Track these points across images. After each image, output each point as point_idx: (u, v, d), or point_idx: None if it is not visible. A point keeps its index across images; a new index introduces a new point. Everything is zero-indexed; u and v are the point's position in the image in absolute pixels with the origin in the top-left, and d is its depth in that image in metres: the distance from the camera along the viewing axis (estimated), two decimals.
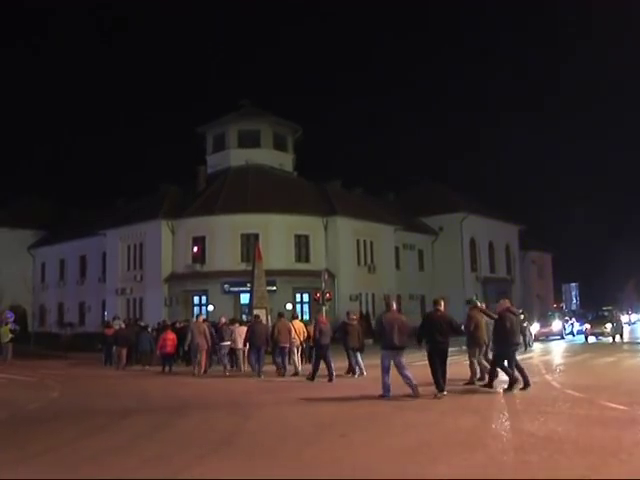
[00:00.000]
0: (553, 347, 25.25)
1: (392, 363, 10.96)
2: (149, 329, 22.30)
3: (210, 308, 30.36)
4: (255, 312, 20.98)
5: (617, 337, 28.59)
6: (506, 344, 11.34)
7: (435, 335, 10.90)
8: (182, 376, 16.82)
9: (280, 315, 17.31)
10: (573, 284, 79.26)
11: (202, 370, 17.09)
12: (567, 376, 14.21)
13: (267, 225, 31.44)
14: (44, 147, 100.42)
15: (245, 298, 27.66)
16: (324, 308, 23.10)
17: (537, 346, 25.12)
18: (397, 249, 37.95)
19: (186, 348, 18.06)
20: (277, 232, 31.49)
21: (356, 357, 14.83)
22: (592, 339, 28.65)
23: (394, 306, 11.87)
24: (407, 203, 43.61)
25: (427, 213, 42.10)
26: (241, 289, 28.93)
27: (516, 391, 10.95)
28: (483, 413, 8.96)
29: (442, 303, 11.54)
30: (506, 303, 11.97)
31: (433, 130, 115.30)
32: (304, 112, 65.31)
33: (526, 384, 11.11)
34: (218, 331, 17.99)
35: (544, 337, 29.41)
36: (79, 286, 39.45)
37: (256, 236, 29.88)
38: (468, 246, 42.25)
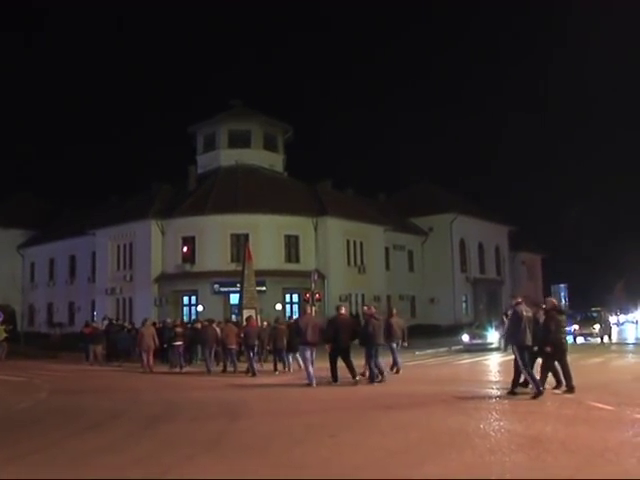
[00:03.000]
0: None
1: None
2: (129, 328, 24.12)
3: (200, 308, 30.27)
4: (247, 312, 21.21)
5: (605, 338, 28.77)
6: (369, 344, 13.25)
7: (340, 335, 12.97)
8: (163, 374, 17.83)
9: (227, 320, 20.40)
10: (562, 285, 79.37)
11: (150, 368, 18.56)
12: None
13: (257, 225, 31.42)
14: (36, 146, 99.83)
15: (235, 298, 27.63)
16: (314, 308, 23.14)
17: None
18: (387, 250, 38.06)
19: (137, 349, 19.70)
20: (267, 232, 31.50)
21: (287, 356, 16.87)
22: (580, 340, 28.83)
23: (309, 310, 14.72)
24: (398, 204, 43.73)
25: (417, 214, 42.26)
26: (231, 289, 28.91)
27: (375, 384, 12.87)
28: (471, 413, 9.00)
29: (344, 308, 14.05)
30: (371, 310, 13.92)
31: (425, 131, 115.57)
32: (295, 112, 65.32)
33: (372, 380, 13.02)
34: (169, 332, 19.67)
35: None
36: (69, 286, 39.30)
37: (246, 236, 29.75)
38: (458, 247, 42.44)
